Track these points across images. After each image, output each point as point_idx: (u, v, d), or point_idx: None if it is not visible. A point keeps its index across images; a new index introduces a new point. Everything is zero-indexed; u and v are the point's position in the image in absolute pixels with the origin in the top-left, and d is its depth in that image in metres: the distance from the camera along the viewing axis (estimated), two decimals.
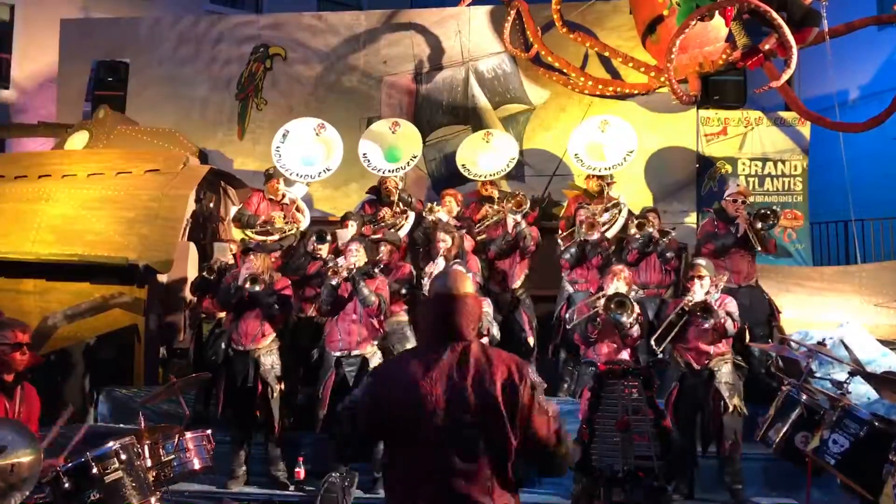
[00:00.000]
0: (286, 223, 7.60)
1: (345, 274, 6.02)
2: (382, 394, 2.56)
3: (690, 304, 5.63)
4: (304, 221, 7.82)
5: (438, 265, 6.42)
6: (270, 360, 6.19)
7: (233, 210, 8.66)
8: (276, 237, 7.50)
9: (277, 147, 8.50)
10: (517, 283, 7.33)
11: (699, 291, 5.66)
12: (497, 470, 2.48)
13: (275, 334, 6.31)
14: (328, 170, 8.46)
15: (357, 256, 6.20)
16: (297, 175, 8.32)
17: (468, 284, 2.68)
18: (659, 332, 5.73)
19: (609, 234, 7.29)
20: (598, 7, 9.91)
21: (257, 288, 6.11)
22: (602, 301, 5.76)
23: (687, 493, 5.67)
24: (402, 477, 2.54)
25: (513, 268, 7.32)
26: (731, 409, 5.56)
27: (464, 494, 2.44)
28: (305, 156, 8.57)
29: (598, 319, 5.77)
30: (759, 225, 6.69)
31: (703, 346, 5.70)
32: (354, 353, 6.09)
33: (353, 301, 6.10)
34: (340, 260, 6.15)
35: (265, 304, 6.18)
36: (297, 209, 7.87)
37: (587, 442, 4.67)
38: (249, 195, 8.25)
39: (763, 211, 6.81)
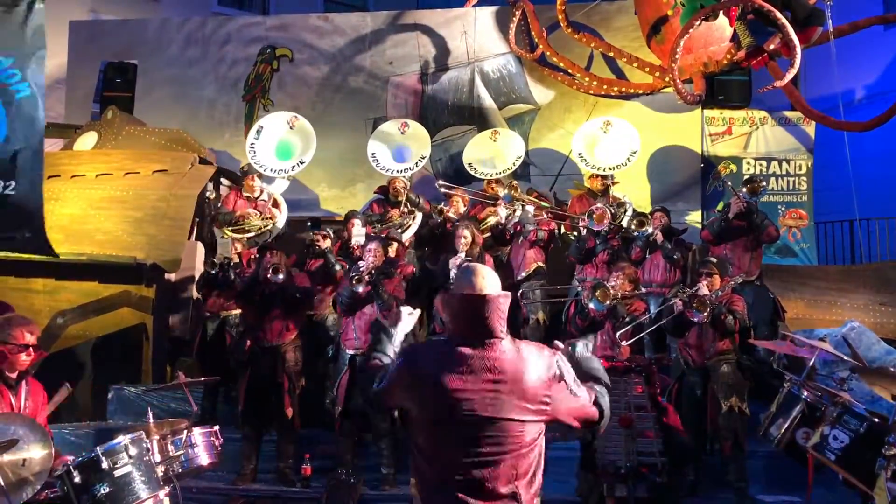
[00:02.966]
0: (261, 220, 7.64)
1: (368, 278, 6.03)
2: (414, 378, 2.58)
3: (686, 294, 5.59)
4: (281, 217, 7.84)
5: (459, 260, 6.49)
6: (294, 357, 6.25)
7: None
8: (251, 234, 7.56)
9: (252, 144, 8.55)
10: (524, 273, 7.31)
11: (703, 288, 5.65)
12: (523, 460, 2.53)
13: (298, 330, 6.36)
14: (302, 163, 8.47)
15: (377, 257, 6.24)
16: (272, 171, 8.35)
17: (495, 283, 2.66)
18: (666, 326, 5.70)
19: None
20: (603, 7, 9.93)
21: (280, 277, 6.16)
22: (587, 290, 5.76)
23: (691, 490, 5.69)
24: (431, 464, 2.58)
25: (518, 258, 7.31)
26: (724, 408, 5.55)
27: (490, 484, 2.49)
28: (281, 145, 8.59)
29: (586, 310, 5.76)
30: (745, 189, 6.71)
31: (705, 343, 5.69)
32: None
33: (370, 301, 6.15)
34: (362, 263, 6.17)
35: (289, 298, 6.24)
36: (276, 204, 7.90)
37: (591, 438, 4.71)
38: (228, 193, 8.29)
39: (748, 182, 6.92)
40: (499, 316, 2.59)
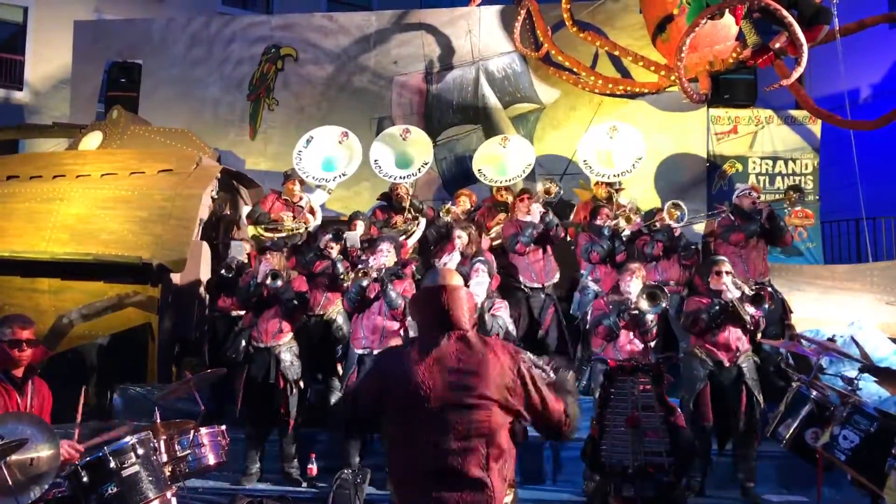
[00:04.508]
0: (294, 223, 7.69)
1: (374, 274, 6.06)
2: (383, 377, 2.75)
3: (742, 296, 5.56)
4: (313, 223, 7.88)
5: (454, 259, 6.48)
6: (290, 357, 6.25)
7: (245, 209, 8.75)
8: (283, 235, 7.60)
9: (300, 151, 8.57)
10: (553, 280, 7.27)
11: (730, 285, 5.61)
12: (491, 448, 2.62)
13: (293, 332, 6.37)
14: (343, 175, 8.50)
15: (388, 257, 6.25)
16: (314, 179, 8.38)
17: (457, 278, 2.85)
18: (712, 324, 5.66)
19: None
20: (608, 6, 9.92)
21: (278, 283, 6.22)
22: (634, 295, 5.76)
23: (699, 490, 5.67)
24: (403, 456, 2.69)
25: (548, 264, 7.26)
26: (761, 405, 5.56)
27: (461, 471, 2.58)
28: (327, 160, 8.63)
29: (631, 311, 5.75)
30: (795, 196, 6.75)
31: (733, 342, 5.68)
32: (377, 351, 6.13)
33: (378, 300, 6.14)
34: (371, 260, 6.19)
35: (284, 301, 6.26)
36: (311, 211, 7.95)
37: (597, 438, 4.69)
38: (267, 194, 8.37)
39: (795, 184, 6.86)
40: (461, 308, 2.74)
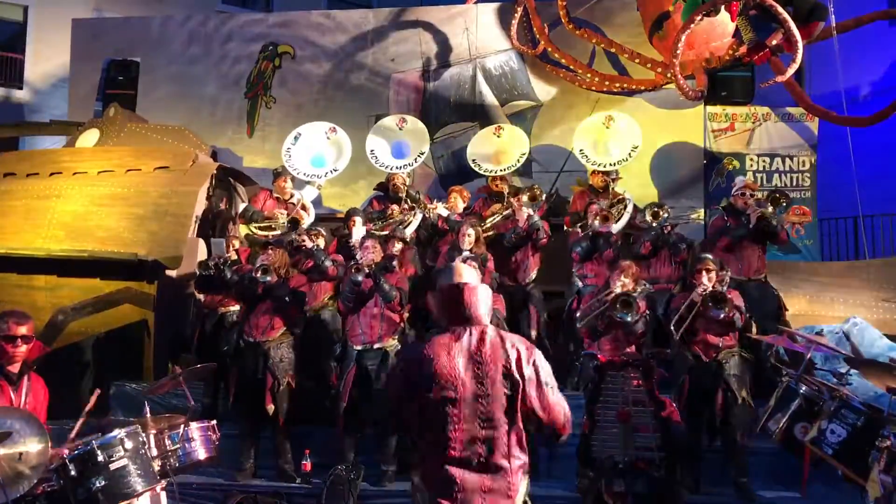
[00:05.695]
0: (288, 220, 7.70)
1: (366, 270, 6.08)
2: (411, 370, 2.92)
3: (704, 293, 5.58)
4: (307, 220, 7.88)
5: (463, 257, 6.50)
6: (280, 353, 6.24)
7: (242, 206, 8.75)
8: (277, 233, 7.60)
9: (288, 148, 8.58)
10: (531, 278, 7.31)
11: (708, 284, 5.63)
12: (512, 436, 2.82)
13: (286, 328, 6.36)
14: (335, 170, 8.50)
15: (374, 252, 6.29)
16: (306, 175, 8.38)
17: (473, 275, 3.03)
18: (674, 322, 5.63)
19: (614, 230, 7.29)
20: (605, 4, 9.91)
21: (268, 279, 6.20)
22: (609, 298, 5.73)
23: (692, 487, 5.66)
24: (430, 443, 2.87)
25: (525, 261, 7.30)
26: (740, 400, 5.55)
27: (485, 458, 2.79)
28: (316, 156, 8.63)
29: (606, 314, 5.74)
30: (771, 209, 6.66)
31: (712, 338, 5.67)
32: (376, 346, 6.14)
33: (373, 296, 6.16)
34: (360, 258, 6.22)
35: (276, 298, 6.26)
36: (303, 208, 7.96)
37: (588, 433, 4.70)
38: (258, 192, 8.36)
39: (774, 195, 6.84)
40: (482, 305, 2.93)
